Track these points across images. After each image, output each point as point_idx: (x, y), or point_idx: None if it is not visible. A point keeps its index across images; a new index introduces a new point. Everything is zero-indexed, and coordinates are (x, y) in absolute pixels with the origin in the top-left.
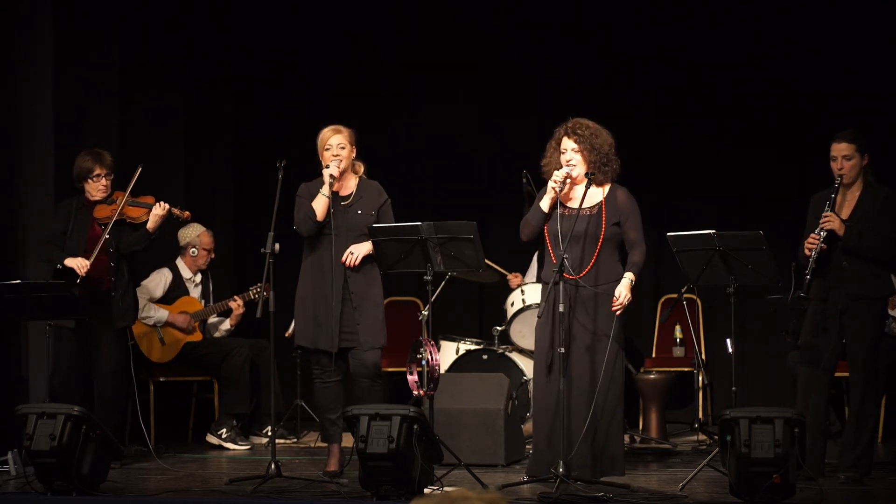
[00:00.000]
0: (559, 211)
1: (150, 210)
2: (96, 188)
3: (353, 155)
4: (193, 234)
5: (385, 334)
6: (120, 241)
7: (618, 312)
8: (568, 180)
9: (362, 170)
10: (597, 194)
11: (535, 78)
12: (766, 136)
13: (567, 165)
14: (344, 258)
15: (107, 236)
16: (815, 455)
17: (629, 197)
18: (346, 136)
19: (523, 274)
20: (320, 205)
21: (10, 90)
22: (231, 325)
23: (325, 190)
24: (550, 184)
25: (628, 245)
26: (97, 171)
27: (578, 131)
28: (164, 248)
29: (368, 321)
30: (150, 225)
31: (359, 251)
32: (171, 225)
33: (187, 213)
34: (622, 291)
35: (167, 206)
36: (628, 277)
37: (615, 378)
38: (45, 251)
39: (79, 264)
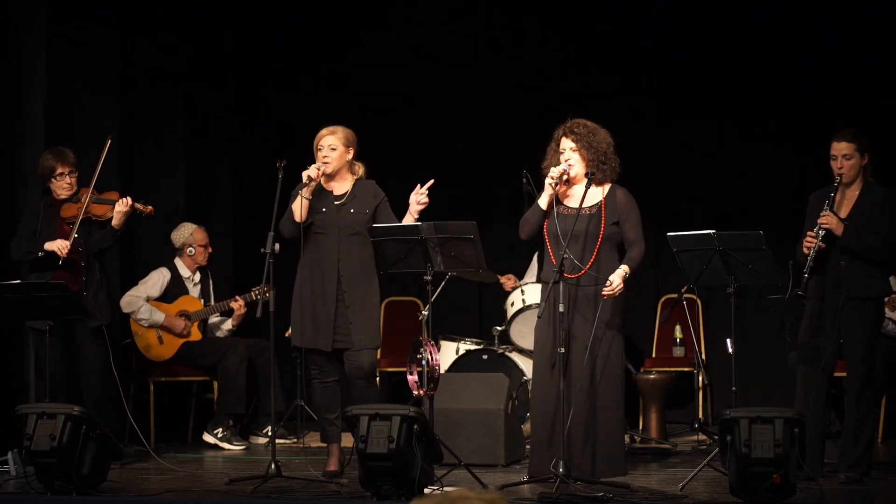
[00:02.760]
0: (559, 210)
1: (114, 206)
2: (61, 186)
3: (350, 156)
4: (186, 233)
5: (379, 335)
6: (88, 240)
7: (605, 296)
8: (565, 177)
9: (361, 171)
10: (596, 194)
11: (536, 78)
12: (766, 136)
13: (569, 165)
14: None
15: (76, 236)
16: (814, 455)
17: (628, 197)
18: (340, 136)
19: (521, 275)
20: (298, 206)
21: (9, 91)
22: (233, 326)
23: (305, 191)
24: (547, 181)
25: (627, 243)
26: (60, 170)
27: (576, 130)
28: (161, 250)
29: (362, 321)
30: (115, 222)
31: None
32: (137, 220)
33: (150, 207)
34: (615, 279)
35: (130, 200)
36: (623, 269)
37: (614, 373)
38: (23, 244)
39: (59, 246)
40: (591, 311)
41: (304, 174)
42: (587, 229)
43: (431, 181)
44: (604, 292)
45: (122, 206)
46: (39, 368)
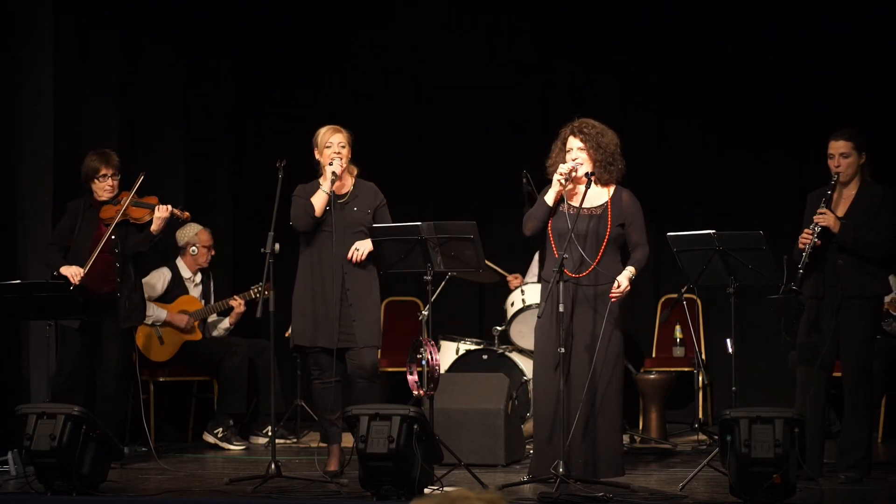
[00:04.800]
0: (563, 209)
1: (153, 210)
2: (103, 188)
3: (350, 156)
4: (191, 232)
5: (380, 334)
6: (125, 242)
7: (613, 299)
8: (573, 174)
9: (356, 172)
10: (602, 195)
11: (536, 78)
12: (766, 136)
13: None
14: (350, 255)
15: (112, 237)
16: (814, 455)
17: (633, 199)
18: (346, 135)
19: (523, 275)
20: (319, 200)
21: (10, 91)
22: (230, 325)
23: (326, 186)
24: (556, 177)
25: (631, 245)
26: (104, 171)
27: (585, 130)
28: (164, 248)
29: (365, 320)
30: (154, 227)
31: (364, 247)
32: (172, 226)
33: (187, 213)
34: (622, 281)
35: (169, 207)
36: (630, 270)
37: (615, 373)
38: (48, 254)
39: (72, 273)
40: (591, 311)
41: (329, 170)
42: (590, 229)
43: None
44: (611, 294)
45: (163, 212)
46: (62, 365)
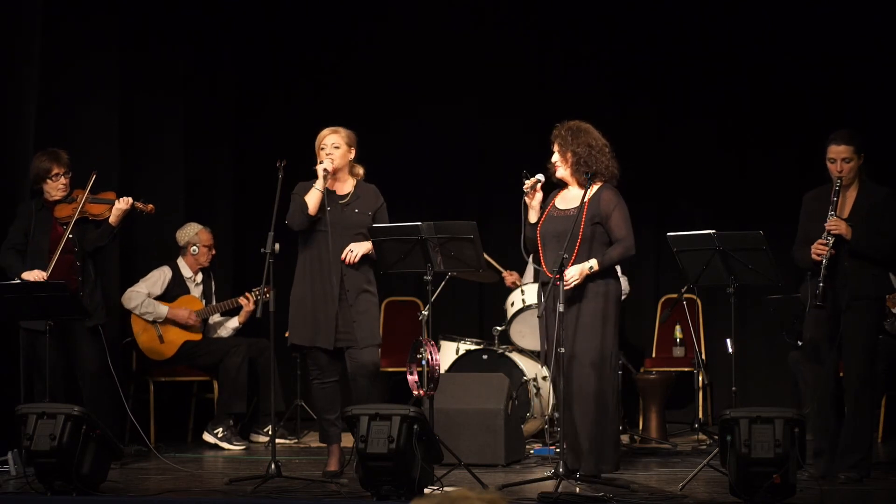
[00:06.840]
0: (551, 213)
1: (112, 206)
2: (55, 188)
3: (352, 156)
4: (191, 232)
5: (380, 333)
6: (84, 239)
7: (565, 287)
8: (538, 185)
9: (362, 172)
10: (582, 195)
11: (535, 79)
12: (766, 137)
13: (555, 167)
14: (343, 256)
15: (70, 236)
16: (829, 452)
17: (613, 195)
18: (343, 136)
19: (521, 273)
20: (313, 198)
21: (7, 90)
22: (240, 323)
23: (319, 184)
24: (525, 197)
25: (613, 240)
26: (55, 171)
27: (558, 135)
28: (160, 250)
29: (364, 319)
30: (111, 219)
31: (358, 249)
32: (136, 220)
33: (151, 206)
34: (571, 270)
35: (130, 199)
36: (589, 263)
37: (603, 365)
38: (6, 258)
39: (34, 277)
40: (575, 309)
41: (320, 168)
42: (565, 230)
43: None
44: (556, 281)
45: (123, 203)
46: (40, 370)
